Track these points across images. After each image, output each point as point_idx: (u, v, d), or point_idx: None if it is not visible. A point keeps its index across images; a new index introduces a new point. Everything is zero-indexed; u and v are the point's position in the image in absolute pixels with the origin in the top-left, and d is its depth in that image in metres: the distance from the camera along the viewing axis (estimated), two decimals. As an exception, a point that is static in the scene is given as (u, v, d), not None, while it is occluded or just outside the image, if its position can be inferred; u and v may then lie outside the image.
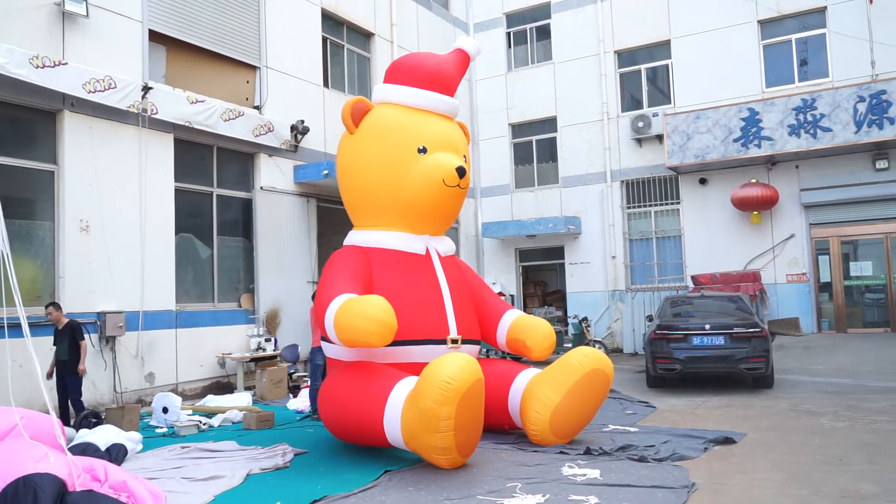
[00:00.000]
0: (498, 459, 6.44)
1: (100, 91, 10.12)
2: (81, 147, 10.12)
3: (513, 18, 19.83)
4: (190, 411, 9.45)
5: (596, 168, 18.04)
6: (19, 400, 8.88)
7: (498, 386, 7.29)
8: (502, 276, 19.24)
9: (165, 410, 8.82)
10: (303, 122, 13.58)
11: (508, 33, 19.84)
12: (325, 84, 14.81)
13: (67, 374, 8.81)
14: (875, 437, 7.05)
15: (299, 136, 13.62)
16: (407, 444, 6.07)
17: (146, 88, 10.75)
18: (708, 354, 10.11)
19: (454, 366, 5.72)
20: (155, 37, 11.40)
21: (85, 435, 7.12)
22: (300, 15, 14.17)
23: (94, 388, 9.98)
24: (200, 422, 8.59)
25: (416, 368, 6.41)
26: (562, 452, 6.61)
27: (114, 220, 10.41)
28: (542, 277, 20.94)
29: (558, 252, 18.70)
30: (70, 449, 6.74)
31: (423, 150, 7.30)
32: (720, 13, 16.59)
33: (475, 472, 5.95)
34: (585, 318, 15.34)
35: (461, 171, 7.24)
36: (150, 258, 10.84)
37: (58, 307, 8.96)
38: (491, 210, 19.62)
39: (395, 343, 6.76)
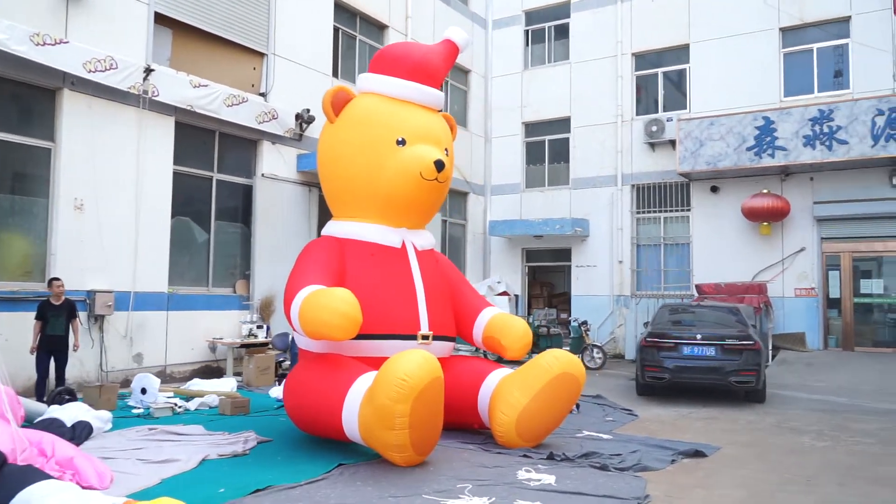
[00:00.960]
0: (458, 459, 6.34)
1: (100, 71, 10.18)
2: (80, 126, 10.18)
3: (532, 16, 19.64)
4: (170, 393, 9.46)
5: (607, 171, 17.81)
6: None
7: (469, 384, 7.20)
8: (508, 275, 19.09)
9: (144, 391, 8.85)
10: (308, 110, 13.55)
11: (527, 31, 19.67)
12: (335, 74, 14.77)
13: (60, 349, 8.90)
14: (854, 458, 6.82)
15: (304, 125, 13.60)
16: (364, 440, 5.99)
17: (148, 70, 10.80)
18: (697, 365, 9.91)
19: (412, 363, 5.62)
20: (161, 19, 11.43)
21: (54, 410, 7.14)
22: (312, 4, 14.14)
23: (81, 365, 10.05)
24: (176, 404, 8.59)
25: (383, 363, 6.31)
26: (525, 456, 6.48)
27: (109, 199, 10.46)
28: (550, 279, 20.74)
29: (566, 254, 18.51)
30: (37, 423, 6.80)
31: (401, 142, 7.21)
32: (742, 19, 16.26)
33: (431, 471, 5.86)
34: (585, 322, 15.15)
35: (439, 165, 7.13)
36: (144, 239, 10.89)
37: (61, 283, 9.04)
38: (500, 208, 19.49)
39: (363, 337, 6.73)
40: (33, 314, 8.87)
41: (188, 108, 11.39)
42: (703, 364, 9.88)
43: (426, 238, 7.71)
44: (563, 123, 18.70)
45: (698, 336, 10.04)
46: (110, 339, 10.41)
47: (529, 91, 19.26)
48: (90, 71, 10.04)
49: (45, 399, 8.25)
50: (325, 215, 14.00)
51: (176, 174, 11.51)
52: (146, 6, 11.06)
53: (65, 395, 7.91)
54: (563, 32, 19.08)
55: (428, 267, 7.48)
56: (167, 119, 11.31)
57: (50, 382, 8.88)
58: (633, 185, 17.51)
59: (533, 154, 19.41)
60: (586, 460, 6.31)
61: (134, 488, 5.20)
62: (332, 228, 7.51)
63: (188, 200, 11.92)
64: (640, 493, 5.36)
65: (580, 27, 18.58)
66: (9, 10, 9.30)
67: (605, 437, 7.54)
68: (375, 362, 6.63)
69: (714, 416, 9.22)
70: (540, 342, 14.77)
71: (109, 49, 10.39)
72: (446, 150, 7.58)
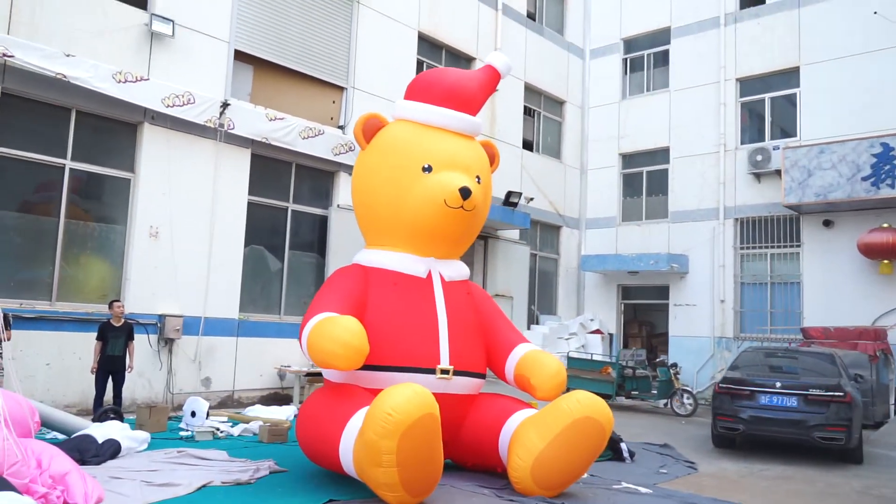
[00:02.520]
0: (461, 504, 5.92)
1: (178, 105, 10.74)
2: (158, 157, 10.75)
3: (631, 44, 19.04)
4: (225, 418, 9.63)
5: (708, 203, 16.74)
6: (75, 392, 9.52)
7: (491, 424, 6.78)
8: (602, 313, 18.30)
9: (193, 414, 9.04)
10: (386, 142, 13.64)
11: (625, 59, 19.07)
12: (418, 107, 14.83)
13: (119, 369, 9.29)
14: (936, 537, 5.77)
15: (383, 157, 13.69)
16: (359, 476, 5.72)
17: (224, 105, 11.28)
18: (776, 416, 8.88)
19: (399, 397, 5.31)
20: (242, 56, 11.97)
21: (93, 427, 7.40)
22: (395, 38, 14.37)
23: (150, 386, 10.48)
24: (218, 429, 8.70)
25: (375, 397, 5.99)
26: (538, 505, 5.97)
27: (183, 228, 10.94)
28: (651, 318, 19.64)
29: (664, 292, 17.49)
30: (72, 438, 7.08)
31: (427, 169, 6.98)
32: (860, 38, 14.93)
33: (420, 515, 5.49)
34: (674, 365, 14.13)
35: (465, 192, 6.81)
36: (217, 267, 11.27)
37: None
38: (595, 242, 18.77)
39: (378, 368, 6.52)
40: (90, 335, 9.34)
41: (263, 140, 11.79)
42: (783, 416, 8.84)
43: (456, 269, 7.39)
44: (662, 154, 17.85)
45: (777, 384, 9.03)
46: (179, 362, 10.80)
47: (627, 121, 18.57)
48: (168, 106, 10.62)
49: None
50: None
51: (251, 204, 11.91)
52: (226, 44, 11.61)
53: (110, 413, 8.19)
54: (662, 60, 18.33)
55: (455, 298, 7.14)
56: (243, 151, 11.76)
57: (109, 401, 9.27)
58: (736, 219, 16.33)
59: (630, 186, 18.65)
60: (600, 515, 5.71)
61: (116, 510, 5.21)
62: (360, 257, 7.37)
63: (263, 230, 12.28)
64: (639, 557, 4.74)
65: (681, 53, 17.76)
66: (97, 50, 10.04)
67: (643, 490, 6.84)
68: (389, 395, 6.38)
69: (790, 475, 8.19)
70: (626, 384, 13.95)
71: (190, 85, 10.96)
72: (478, 177, 7.26)
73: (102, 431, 7.28)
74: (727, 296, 16.23)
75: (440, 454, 5.70)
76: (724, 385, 9.40)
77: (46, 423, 7.58)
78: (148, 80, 10.42)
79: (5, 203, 9.55)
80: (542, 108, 18.50)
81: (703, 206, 16.80)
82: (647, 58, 18.67)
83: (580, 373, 14.75)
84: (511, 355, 7.28)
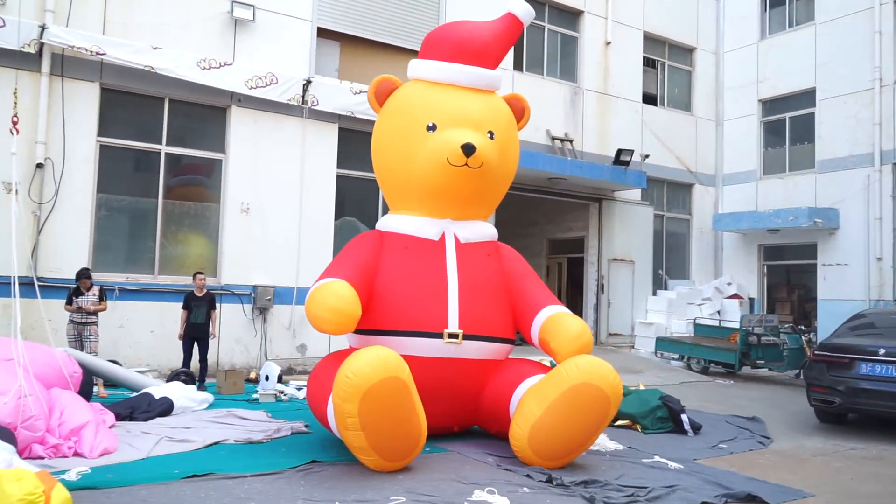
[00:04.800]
0: (446, 469, 5.71)
1: (261, 87, 11.26)
2: (247, 137, 11.37)
3: (771, -24, 17.02)
4: (301, 382, 10.09)
5: (862, 149, 14.65)
6: (178, 357, 10.35)
7: (506, 391, 6.48)
8: (742, 276, 16.76)
9: (267, 378, 9.55)
10: (480, 107, 13.39)
11: (765, -6, 17.10)
12: (518, 67, 14.41)
13: (202, 336, 10.02)
14: None
15: (478, 122, 13.46)
16: (341, 438, 5.74)
17: (307, 82, 11.65)
18: (876, 388, 7.60)
19: (360, 361, 5.24)
20: (327, 33, 12.27)
21: (155, 387, 8.08)
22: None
23: (247, 352, 11.23)
24: (281, 392, 9.12)
25: (408, 362, 5.88)
26: (527, 476, 5.62)
27: (273, 203, 11.51)
28: (804, 281, 17.64)
29: (811, 251, 15.63)
30: (132, 397, 7.80)
31: (432, 128, 6.75)
32: None
33: (384, 480, 5.34)
34: (806, 331, 12.60)
35: (467, 149, 6.48)
36: (308, 239, 11.75)
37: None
38: (733, 200, 17.18)
39: (386, 333, 6.50)
40: (176, 305, 10.14)
41: (348, 114, 12.05)
42: (885, 388, 7.54)
43: (475, 230, 7.07)
44: (807, 96, 15.86)
45: (882, 351, 7.72)
46: (274, 330, 11.44)
47: (767, 63, 16.68)
48: (251, 87, 11.17)
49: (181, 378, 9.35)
50: (499, 216, 13.74)
51: (340, 177, 12.25)
52: (308, 23, 11.96)
53: (182, 376, 8.88)
54: (807, -11, 16.20)
55: (471, 261, 6.86)
56: (330, 126, 12.10)
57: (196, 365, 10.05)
58: (895, 164, 14.14)
59: (772, 135, 16.77)
60: (583, 489, 5.25)
61: (115, 460, 5.65)
62: (380, 222, 7.34)
63: (354, 202, 12.59)
64: (582, 535, 4.31)
65: (828, -21, 15.58)
66: (184, 41, 10.80)
67: (672, 465, 6.18)
68: (397, 360, 6.30)
69: (885, 456, 7.01)
70: (751, 353, 12.70)
71: (276, 66, 11.44)
72: (490, 133, 6.88)
73: (162, 391, 7.92)
74: (885, 253, 14.16)
75: (414, 418, 5.55)
76: (821, 352, 8.23)
77: (119, 382, 8.43)
78: (231, 64, 11.01)
79: (111, 187, 10.60)
80: (666, 57, 17.14)
81: (856, 151, 14.72)
82: (788, -11, 16.63)
83: (703, 340, 13.68)
84: (536, 318, 6.89)
